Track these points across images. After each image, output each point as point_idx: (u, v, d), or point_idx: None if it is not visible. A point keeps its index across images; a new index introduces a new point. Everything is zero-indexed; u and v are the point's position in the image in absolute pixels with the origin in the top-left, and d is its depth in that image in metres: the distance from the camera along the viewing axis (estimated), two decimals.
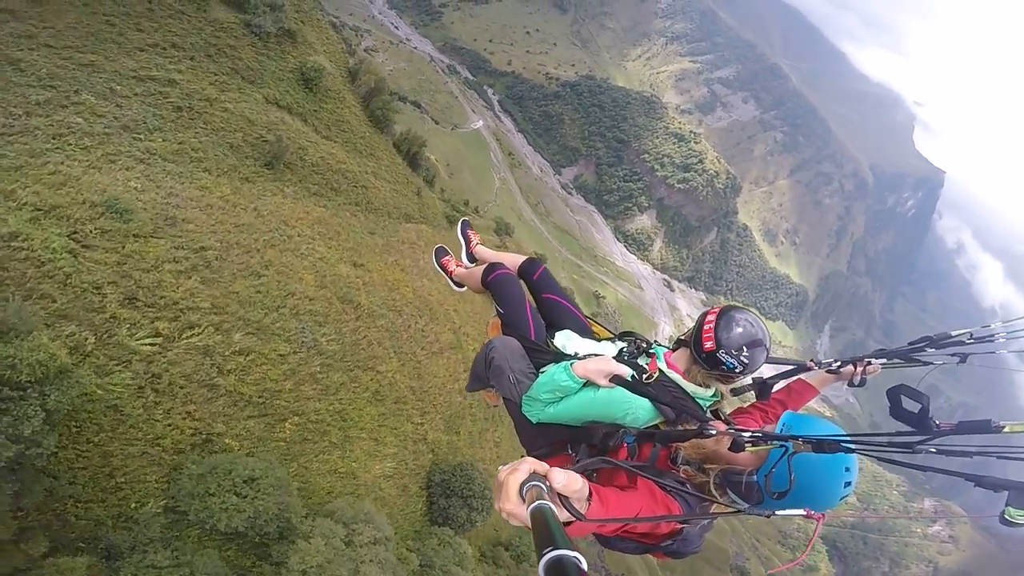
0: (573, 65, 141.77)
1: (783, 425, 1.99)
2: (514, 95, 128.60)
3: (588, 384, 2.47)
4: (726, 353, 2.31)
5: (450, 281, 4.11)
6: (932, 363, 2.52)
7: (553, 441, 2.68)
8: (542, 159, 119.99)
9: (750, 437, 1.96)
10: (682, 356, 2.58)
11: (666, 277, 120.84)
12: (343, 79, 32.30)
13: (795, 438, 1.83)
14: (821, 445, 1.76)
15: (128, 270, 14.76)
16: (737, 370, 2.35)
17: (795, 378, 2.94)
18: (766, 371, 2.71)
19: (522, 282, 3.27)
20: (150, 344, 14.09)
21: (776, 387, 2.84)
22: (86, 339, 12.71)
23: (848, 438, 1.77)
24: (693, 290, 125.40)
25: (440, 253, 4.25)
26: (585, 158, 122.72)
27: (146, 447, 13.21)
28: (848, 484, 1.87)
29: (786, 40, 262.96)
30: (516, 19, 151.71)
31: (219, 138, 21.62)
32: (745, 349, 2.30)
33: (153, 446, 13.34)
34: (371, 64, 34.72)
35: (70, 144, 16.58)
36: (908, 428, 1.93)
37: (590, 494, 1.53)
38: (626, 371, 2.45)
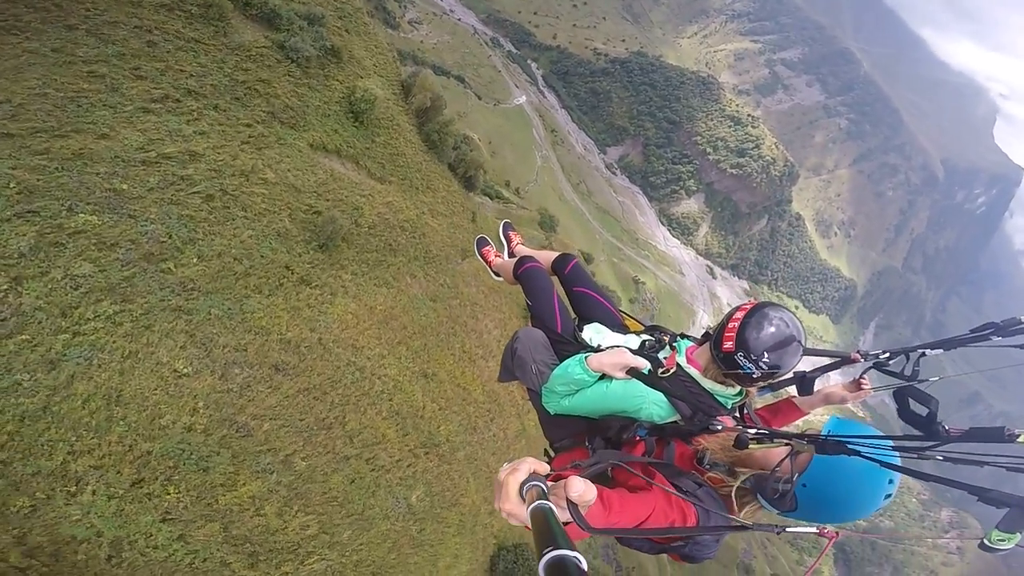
0: (623, 40, 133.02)
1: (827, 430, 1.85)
2: (559, 70, 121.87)
3: (604, 377, 2.37)
4: (745, 356, 2.10)
5: (489, 270, 4.14)
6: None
7: (572, 433, 2.60)
8: (586, 137, 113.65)
9: (754, 434, 1.93)
10: (704, 351, 2.39)
11: (709, 264, 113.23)
12: (396, 97, 28.38)
13: (800, 437, 1.78)
14: (824, 446, 1.70)
15: (234, 533, 11.70)
16: (755, 375, 2.13)
17: (790, 396, 2.73)
18: (806, 364, 2.42)
19: (554, 277, 3.19)
20: None
21: (817, 381, 2.59)
22: None
23: (851, 438, 1.67)
24: (736, 278, 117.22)
25: (481, 243, 4.34)
26: (632, 138, 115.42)
27: None
28: (888, 496, 1.76)
29: (859, 23, 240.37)
30: None
31: (264, 226, 16.71)
32: (768, 354, 2.06)
33: None
34: (426, 79, 30.04)
35: (86, 335, 10.78)
36: (915, 432, 1.75)
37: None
38: (642, 364, 2.34)
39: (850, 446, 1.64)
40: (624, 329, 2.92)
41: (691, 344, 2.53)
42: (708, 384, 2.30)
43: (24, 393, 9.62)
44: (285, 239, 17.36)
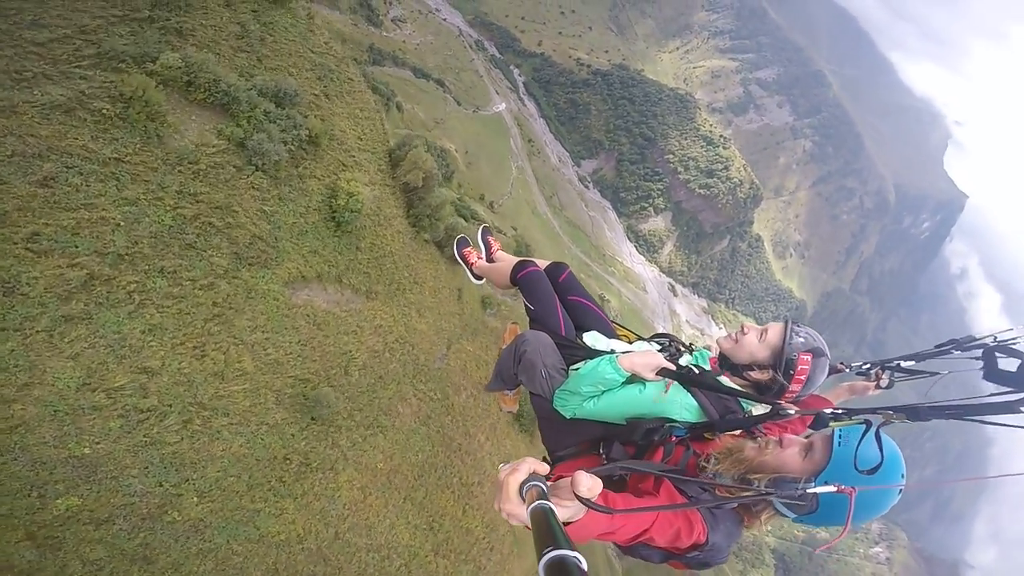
0: (607, 52, 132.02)
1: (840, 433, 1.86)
2: (541, 78, 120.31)
3: (633, 379, 2.33)
4: (791, 400, 2.28)
5: (468, 272, 4.01)
6: (941, 372, 2.44)
7: (581, 440, 2.52)
8: (562, 148, 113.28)
9: (831, 413, 1.94)
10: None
11: (671, 281, 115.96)
12: (382, 175, 24.68)
13: (885, 410, 1.75)
14: (917, 413, 1.70)
15: None
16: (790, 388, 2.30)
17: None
18: None
19: None
20: None
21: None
22: None
23: (944, 404, 1.69)
24: (696, 296, 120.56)
25: (462, 244, 4.18)
26: (607, 152, 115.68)
27: None
28: (900, 491, 1.75)
29: (833, 43, 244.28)
30: None
31: (252, 428, 14.42)
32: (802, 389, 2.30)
33: None
34: (419, 155, 26.17)
35: None
36: (1005, 389, 1.77)
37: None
38: (672, 366, 2.34)
39: (946, 411, 1.67)
40: (618, 339, 2.90)
41: (711, 355, 2.57)
42: (736, 390, 2.33)
43: None
44: (277, 430, 15.43)
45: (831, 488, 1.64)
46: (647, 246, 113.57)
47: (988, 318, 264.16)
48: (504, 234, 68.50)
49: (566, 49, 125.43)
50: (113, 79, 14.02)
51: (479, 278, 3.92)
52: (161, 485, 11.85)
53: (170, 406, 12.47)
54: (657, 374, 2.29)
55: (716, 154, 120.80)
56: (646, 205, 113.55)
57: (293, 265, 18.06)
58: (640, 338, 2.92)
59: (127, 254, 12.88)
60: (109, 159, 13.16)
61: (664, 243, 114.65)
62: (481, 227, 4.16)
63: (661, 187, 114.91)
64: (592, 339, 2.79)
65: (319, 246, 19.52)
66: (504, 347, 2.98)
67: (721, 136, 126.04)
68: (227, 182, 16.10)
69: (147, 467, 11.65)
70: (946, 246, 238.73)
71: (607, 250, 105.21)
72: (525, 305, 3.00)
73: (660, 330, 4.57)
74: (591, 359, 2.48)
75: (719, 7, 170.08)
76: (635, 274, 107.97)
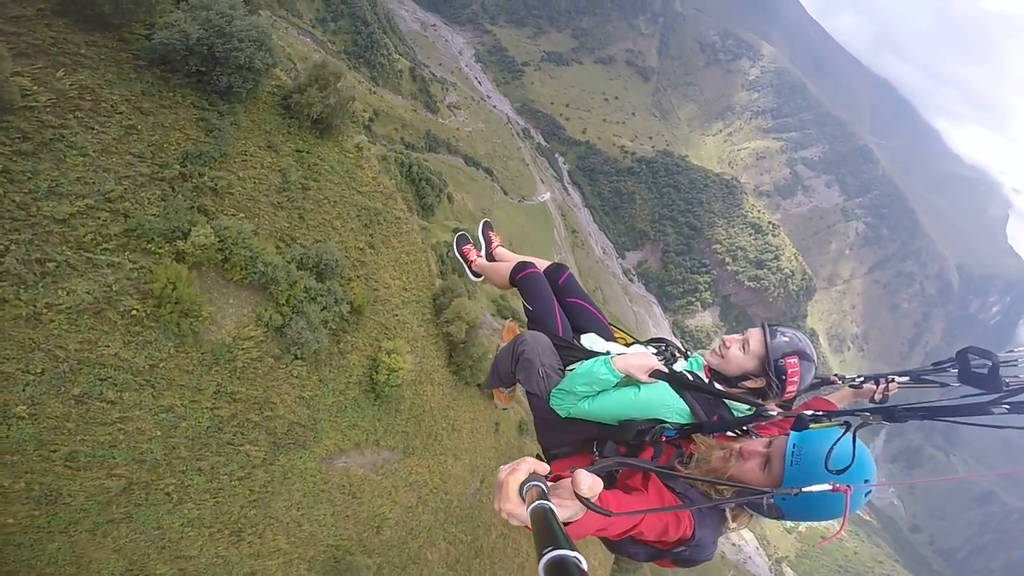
0: (651, 138, 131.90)
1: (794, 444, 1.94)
2: (585, 167, 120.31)
3: (627, 380, 2.37)
4: (788, 400, 2.36)
5: (467, 270, 3.92)
6: (950, 384, 2.39)
7: (575, 440, 2.57)
8: (606, 239, 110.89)
9: (812, 415, 1.95)
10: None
11: None
12: (425, 323, 23.94)
13: (863, 411, 1.79)
14: (892, 414, 1.73)
15: None
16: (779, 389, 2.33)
17: (813, 395, 2.82)
18: None
19: None
20: None
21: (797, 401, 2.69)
22: None
23: (918, 406, 1.73)
24: None
25: (462, 241, 4.09)
26: (652, 243, 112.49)
27: None
28: (868, 494, 1.81)
29: (875, 115, 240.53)
30: (596, 84, 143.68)
31: None
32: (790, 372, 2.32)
33: None
34: (463, 306, 25.32)
35: None
36: (976, 391, 1.82)
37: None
38: (665, 368, 2.39)
39: (920, 412, 1.68)
40: (616, 341, 2.91)
41: (704, 364, 2.54)
42: (727, 397, 2.36)
43: None
44: None
45: (826, 487, 1.66)
46: (694, 343, 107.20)
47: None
48: None
49: (610, 136, 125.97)
50: (143, 264, 12.99)
51: (478, 276, 3.86)
52: None
53: None
54: (650, 376, 2.32)
55: (765, 242, 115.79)
56: (693, 299, 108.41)
57: (331, 442, 17.57)
58: (637, 341, 2.90)
59: (164, 459, 12.88)
60: (142, 367, 12.72)
61: (712, 340, 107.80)
62: (483, 221, 4.05)
63: (708, 280, 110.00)
64: (589, 341, 2.83)
65: (358, 419, 18.82)
66: (503, 345, 3.00)
67: (770, 223, 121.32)
68: (265, 375, 15.46)
69: None
70: (1020, 330, 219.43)
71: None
72: (524, 306, 3.04)
73: (657, 334, 3.70)
74: (587, 360, 2.53)
75: (759, 86, 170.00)
76: None
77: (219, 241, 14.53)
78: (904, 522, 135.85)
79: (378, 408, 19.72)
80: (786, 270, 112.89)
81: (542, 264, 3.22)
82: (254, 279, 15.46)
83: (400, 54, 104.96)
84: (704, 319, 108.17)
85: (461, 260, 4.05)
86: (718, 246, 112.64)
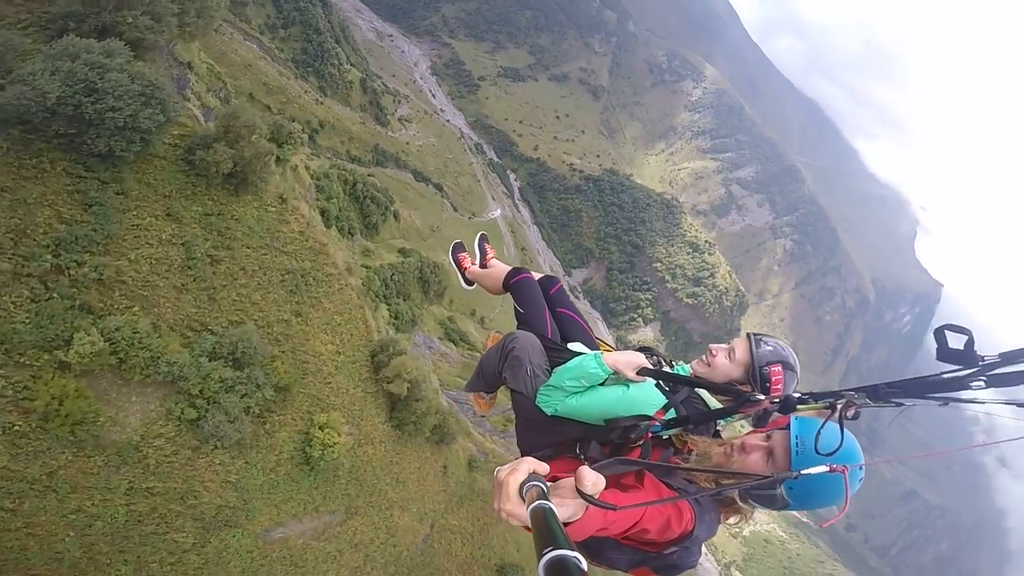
0: (598, 156, 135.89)
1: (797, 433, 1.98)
2: (536, 183, 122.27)
3: (615, 379, 2.43)
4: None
5: (460, 277, 4.12)
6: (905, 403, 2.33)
7: (558, 441, 2.56)
8: (554, 257, 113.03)
9: (799, 396, 2.01)
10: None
11: None
12: (363, 382, 22.97)
13: (848, 391, 1.85)
14: (876, 392, 1.80)
15: None
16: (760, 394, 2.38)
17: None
18: None
19: None
20: None
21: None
22: None
23: (900, 382, 1.79)
24: None
25: (457, 249, 4.29)
26: (597, 261, 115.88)
27: None
28: (860, 480, 1.84)
29: (804, 134, 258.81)
30: (549, 101, 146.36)
31: None
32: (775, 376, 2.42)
33: None
34: (403, 364, 24.58)
35: None
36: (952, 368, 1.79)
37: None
38: (652, 367, 2.47)
39: (902, 388, 1.74)
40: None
41: (691, 371, 2.60)
42: (707, 398, 2.42)
43: None
44: None
45: (823, 468, 1.68)
46: None
47: (979, 406, 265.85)
48: (485, 329, 65.85)
49: (560, 154, 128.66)
50: (18, 379, 11.90)
51: (470, 284, 4.01)
52: None
53: None
54: (638, 373, 2.38)
55: (702, 261, 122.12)
56: (635, 316, 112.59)
57: (266, 518, 16.96)
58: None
59: (84, 556, 12.59)
60: (38, 476, 12.15)
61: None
62: (479, 235, 4.20)
63: (650, 297, 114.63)
64: (577, 348, 2.87)
65: (292, 492, 18.16)
66: (490, 347, 3.01)
67: (706, 241, 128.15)
68: (184, 466, 14.79)
69: None
70: (928, 337, 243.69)
71: None
72: (515, 308, 3.12)
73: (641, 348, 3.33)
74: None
75: (700, 107, 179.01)
76: None
77: (110, 344, 13.25)
78: (839, 521, 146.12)
79: (314, 478, 19.10)
80: (721, 287, 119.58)
81: (536, 275, 3.35)
82: (159, 378, 14.42)
83: (352, 64, 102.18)
84: (646, 334, 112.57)
85: (455, 267, 4.19)
86: (658, 264, 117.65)
